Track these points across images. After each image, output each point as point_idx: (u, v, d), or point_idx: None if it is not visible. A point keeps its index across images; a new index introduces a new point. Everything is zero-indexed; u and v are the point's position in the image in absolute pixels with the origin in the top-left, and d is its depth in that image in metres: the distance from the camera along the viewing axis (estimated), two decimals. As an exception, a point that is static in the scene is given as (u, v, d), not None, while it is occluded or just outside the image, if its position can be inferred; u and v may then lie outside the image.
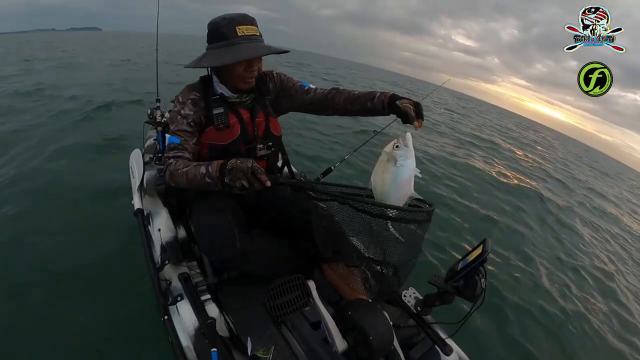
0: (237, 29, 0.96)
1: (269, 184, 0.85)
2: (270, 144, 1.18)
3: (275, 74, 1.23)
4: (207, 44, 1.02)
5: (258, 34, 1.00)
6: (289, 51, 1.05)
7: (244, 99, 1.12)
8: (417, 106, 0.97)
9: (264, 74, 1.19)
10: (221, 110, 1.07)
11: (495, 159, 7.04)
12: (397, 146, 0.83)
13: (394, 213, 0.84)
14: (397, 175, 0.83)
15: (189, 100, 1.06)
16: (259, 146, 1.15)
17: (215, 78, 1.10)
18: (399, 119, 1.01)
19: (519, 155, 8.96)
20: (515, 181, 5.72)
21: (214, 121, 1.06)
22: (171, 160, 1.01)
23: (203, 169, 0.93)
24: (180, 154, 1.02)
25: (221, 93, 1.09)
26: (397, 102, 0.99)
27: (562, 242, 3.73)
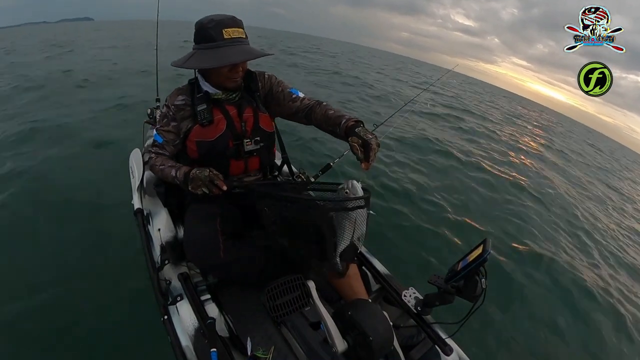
0: (223, 32, 0.97)
1: (225, 188, 0.96)
2: (259, 138, 1.17)
3: (266, 76, 1.23)
4: (193, 44, 1.04)
5: (244, 36, 1.02)
6: (272, 54, 1.09)
7: (231, 96, 1.14)
8: (366, 146, 0.90)
9: (254, 74, 1.20)
10: (204, 106, 1.09)
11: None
12: (347, 192, 0.88)
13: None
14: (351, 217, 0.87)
15: (173, 106, 1.11)
16: (246, 141, 1.15)
17: (200, 77, 1.13)
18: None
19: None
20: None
21: (198, 118, 1.09)
22: (152, 154, 1.15)
23: (173, 172, 1.05)
24: (161, 151, 1.14)
25: (206, 91, 1.11)
26: (349, 139, 0.94)
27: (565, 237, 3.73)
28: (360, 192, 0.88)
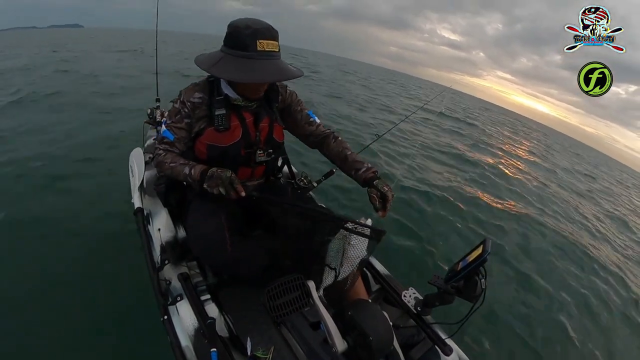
0: (258, 43, 0.92)
1: (243, 194, 0.95)
2: (271, 151, 1.17)
3: (288, 90, 1.22)
4: (223, 44, 0.99)
5: (277, 49, 0.98)
6: (302, 74, 1.04)
7: (250, 103, 1.11)
8: (384, 198, 1.04)
9: (276, 85, 1.18)
10: (223, 111, 1.05)
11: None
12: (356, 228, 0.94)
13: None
14: (347, 251, 0.97)
15: (190, 103, 1.06)
16: (259, 152, 1.14)
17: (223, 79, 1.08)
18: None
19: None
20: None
21: (215, 122, 1.05)
22: (161, 151, 1.09)
23: (187, 170, 1.01)
24: (171, 149, 1.09)
25: (226, 94, 1.07)
26: (368, 190, 1.08)
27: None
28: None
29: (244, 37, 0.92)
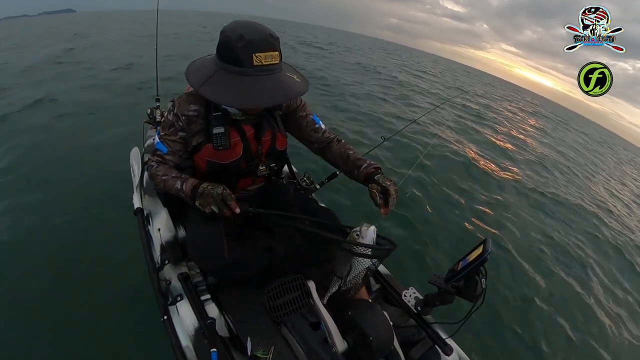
0: (254, 57, 0.82)
1: (238, 211, 0.90)
2: (273, 164, 1.14)
3: None
4: (215, 55, 0.91)
5: (278, 60, 0.88)
6: (306, 89, 0.94)
7: (250, 116, 1.04)
8: (385, 193, 0.95)
9: None
10: (222, 130, 0.98)
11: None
12: (357, 234, 0.91)
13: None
14: (353, 264, 0.94)
15: (184, 117, 0.98)
16: (260, 167, 1.10)
17: None
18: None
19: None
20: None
21: (213, 141, 0.99)
22: (153, 163, 1.04)
23: (178, 184, 0.97)
24: (163, 161, 1.04)
25: (224, 109, 1.00)
26: (369, 186, 0.99)
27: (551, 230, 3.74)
28: (370, 239, 0.91)
29: (237, 50, 0.82)
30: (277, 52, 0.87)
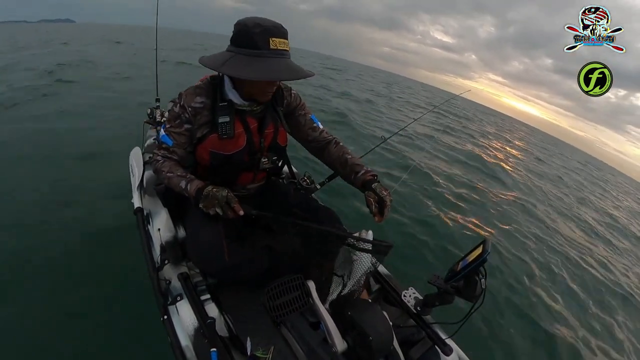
0: (270, 41, 0.88)
1: (242, 213, 0.93)
2: (275, 158, 1.16)
3: (293, 93, 1.19)
4: (230, 44, 0.95)
5: (288, 48, 0.94)
6: (314, 74, 0.98)
7: (255, 108, 1.06)
8: (381, 203, 0.99)
9: (281, 88, 1.15)
10: (227, 119, 1.00)
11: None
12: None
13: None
14: (353, 265, 0.98)
15: (190, 108, 1.00)
16: (263, 160, 1.12)
17: (227, 81, 1.02)
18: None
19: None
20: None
21: (218, 130, 1.01)
22: (159, 157, 1.06)
23: (183, 184, 0.99)
24: (169, 155, 1.05)
25: (230, 99, 1.02)
26: (365, 193, 1.04)
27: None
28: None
29: (255, 35, 0.88)
30: (288, 41, 0.94)
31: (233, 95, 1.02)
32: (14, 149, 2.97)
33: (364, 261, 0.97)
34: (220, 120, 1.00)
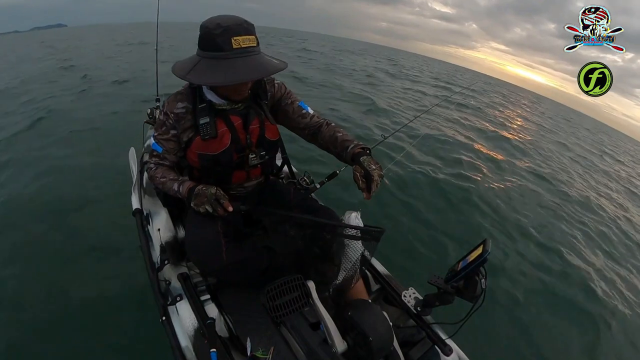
0: (232, 41, 0.87)
1: (230, 209, 0.96)
2: (264, 152, 1.13)
3: (276, 84, 1.17)
4: (198, 48, 0.94)
5: (255, 44, 0.92)
6: (286, 66, 0.97)
7: (236, 106, 1.06)
8: (368, 178, 0.93)
9: (263, 81, 1.13)
10: (207, 120, 1.01)
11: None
12: (342, 220, 0.96)
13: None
14: (346, 249, 0.97)
15: (173, 114, 1.02)
16: (251, 156, 1.10)
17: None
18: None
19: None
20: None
21: (200, 132, 1.01)
22: (152, 165, 1.09)
23: (176, 186, 1.03)
24: (161, 162, 1.08)
25: (209, 100, 1.02)
26: (353, 167, 0.97)
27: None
28: (354, 224, 0.95)
29: (217, 37, 0.87)
30: (253, 36, 0.91)
31: (211, 96, 1.03)
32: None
33: (357, 244, 0.96)
34: (201, 121, 1.01)
